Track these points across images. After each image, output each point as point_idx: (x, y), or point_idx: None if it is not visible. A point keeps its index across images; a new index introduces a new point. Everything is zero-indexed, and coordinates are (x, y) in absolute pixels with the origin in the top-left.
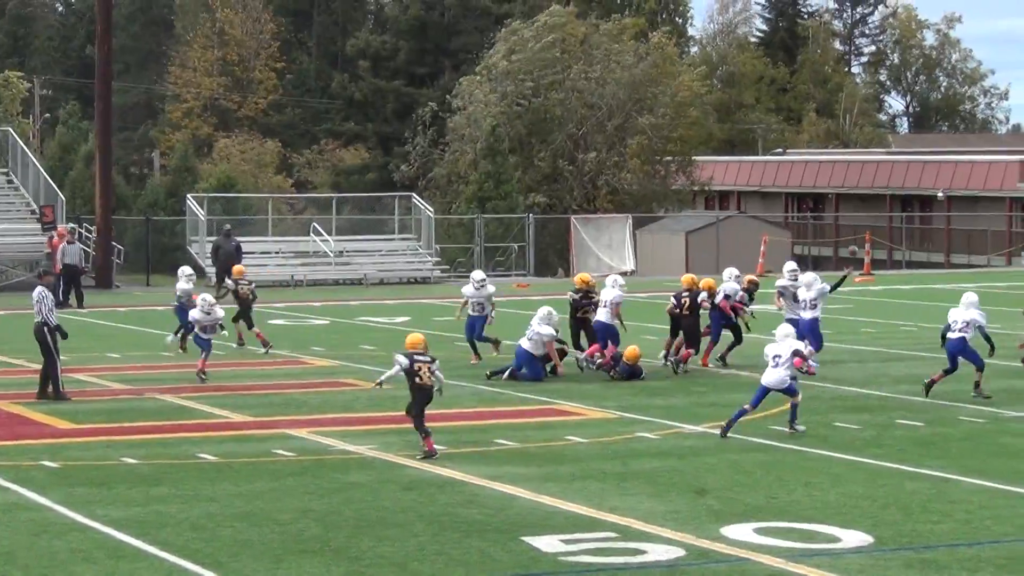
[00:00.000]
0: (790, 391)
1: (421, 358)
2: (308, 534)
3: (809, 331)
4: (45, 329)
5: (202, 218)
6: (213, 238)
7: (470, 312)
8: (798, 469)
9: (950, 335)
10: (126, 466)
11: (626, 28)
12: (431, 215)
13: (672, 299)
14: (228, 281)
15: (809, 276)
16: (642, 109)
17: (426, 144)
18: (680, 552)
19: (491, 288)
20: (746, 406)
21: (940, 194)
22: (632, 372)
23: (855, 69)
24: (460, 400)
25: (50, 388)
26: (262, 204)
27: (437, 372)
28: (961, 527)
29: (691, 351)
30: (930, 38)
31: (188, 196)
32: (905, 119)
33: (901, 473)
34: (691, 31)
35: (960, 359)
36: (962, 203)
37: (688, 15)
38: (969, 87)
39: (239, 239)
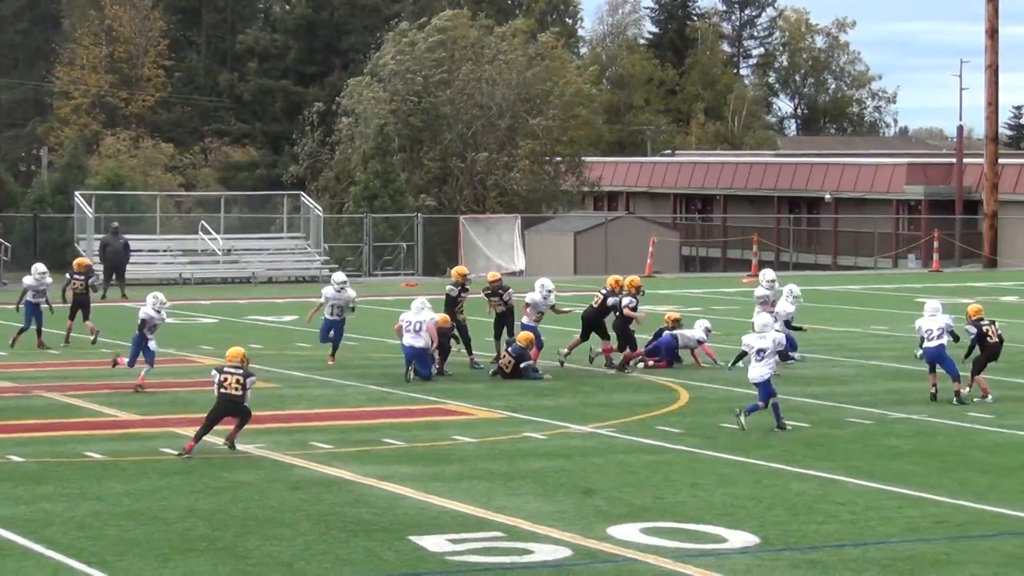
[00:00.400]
0: (766, 390)
1: (231, 370)
2: (195, 533)
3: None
4: None
5: (90, 215)
6: (102, 235)
7: (327, 315)
8: (685, 470)
9: (927, 344)
10: (12, 464)
11: (518, 32)
12: (320, 214)
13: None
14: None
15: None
16: (532, 110)
17: (314, 144)
18: (567, 552)
19: (352, 292)
20: (759, 403)
21: (827, 196)
22: (521, 355)
23: (743, 71)
24: (347, 399)
25: None
26: (151, 202)
27: (248, 388)
28: (847, 528)
29: (639, 351)
30: (820, 42)
31: (76, 193)
32: (793, 121)
33: (787, 474)
34: (581, 32)
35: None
36: (849, 205)
37: (578, 16)
38: (857, 90)
39: (127, 237)
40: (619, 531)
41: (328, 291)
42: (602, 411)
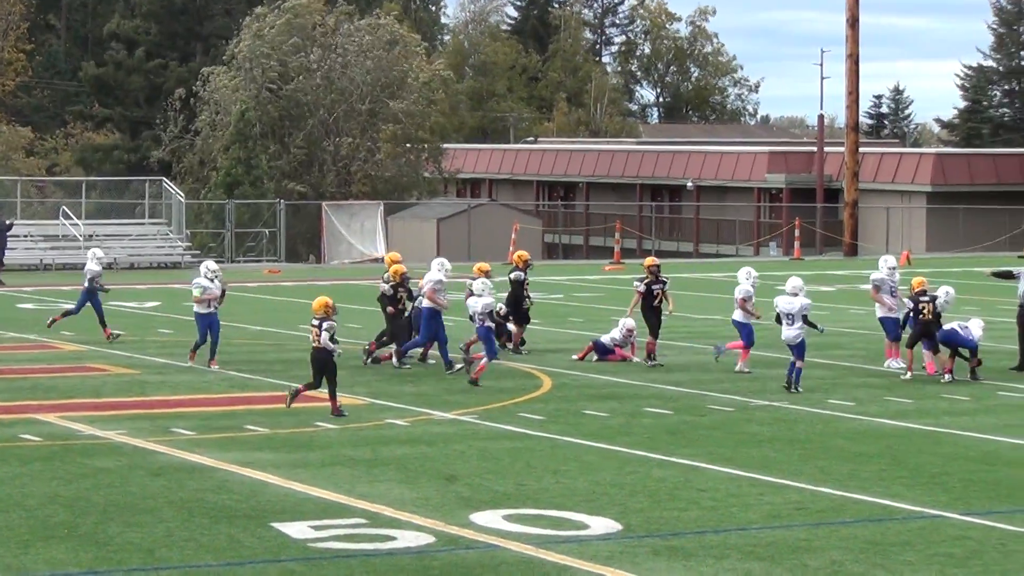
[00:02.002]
0: (799, 351)
1: (313, 322)
2: (56, 520)
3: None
4: None
5: None
6: None
7: (200, 310)
8: (547, 456)
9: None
10: None
11: (376, 24)
12: (182, 200)
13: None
14: None
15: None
16: (392, 96)
17: (177, 130)
18: (430, 539)
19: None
20: (797, 362)
21: (689, 184)
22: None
23: (606, 59)
24: (210, 386)
25: None
26: (11, 187)
27: (323, 335)
28: (708, 514)
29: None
30: (683, 30)
31: None
32: (656, 109)
33: (650, 461)
34: (444, 19)
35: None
36: (711, 193)
37: (440, 3)
38: (720, 78)
39: None
40: (481, 517)
41: (203, 281)
42: (464, 398)
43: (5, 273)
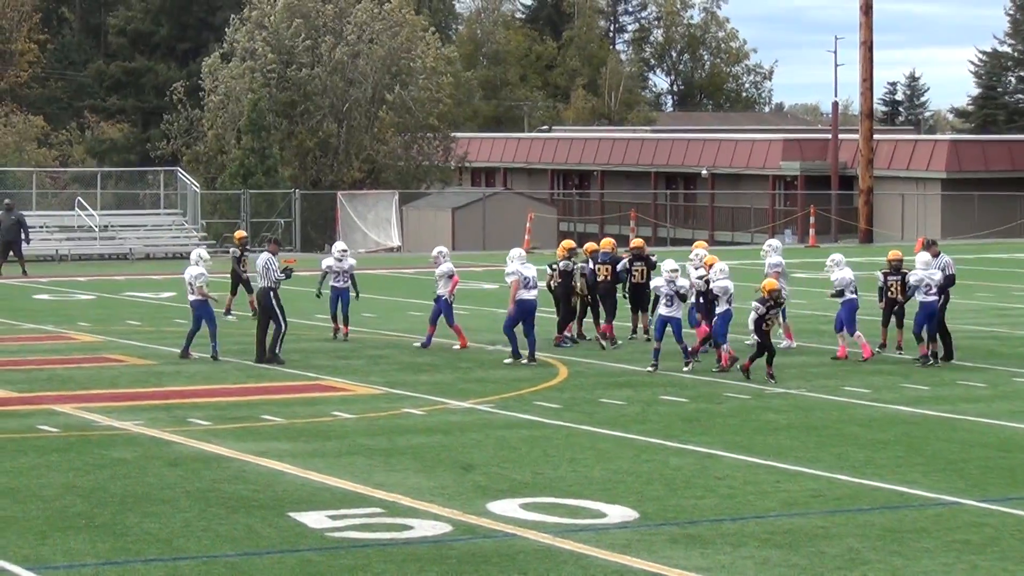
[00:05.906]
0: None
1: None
2: (73, 510)
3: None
4: (271, 294)
5: None
6: None
7: (333, 283)
8: (564, 445)
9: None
10: None
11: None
12: (197, 190)
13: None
14: None
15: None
16: (403, 83)
17: (184, 121)
18: (447, 528)
19: (352, 260)
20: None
21: (704, 172)
22: None
23: (619, 46)
24: (226, 375)
25: (275, 349)
26: (26, 178)
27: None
28: (725, 502)
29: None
30: (695, 17)
31: None
32: (670, 97)
33: (666, 449)
34: (458, 8)
35: None
36: (726, 181)
37: None
38: (733, 66)
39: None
40: (499, 506)
41: (329, 261)
42: (480, 387)
43: (12, 264)
